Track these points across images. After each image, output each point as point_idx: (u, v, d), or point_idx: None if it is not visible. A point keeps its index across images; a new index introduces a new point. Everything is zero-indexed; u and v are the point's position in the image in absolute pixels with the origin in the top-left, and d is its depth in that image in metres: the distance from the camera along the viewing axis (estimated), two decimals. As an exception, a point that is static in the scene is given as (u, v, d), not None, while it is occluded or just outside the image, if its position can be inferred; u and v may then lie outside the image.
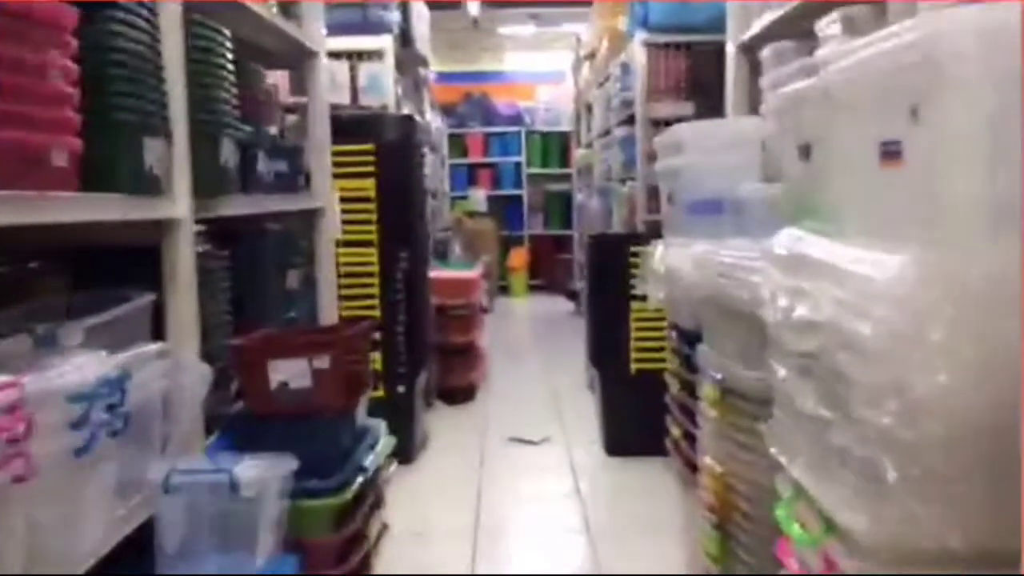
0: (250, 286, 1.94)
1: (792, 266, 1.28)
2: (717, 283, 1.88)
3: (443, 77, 10.67)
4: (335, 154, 3.81)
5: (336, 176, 3.81)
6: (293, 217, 2.65)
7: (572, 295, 8.89)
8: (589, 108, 7.52)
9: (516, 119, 10.81)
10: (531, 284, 10.72)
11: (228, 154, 1.67)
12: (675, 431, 2.50)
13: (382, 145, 3.88)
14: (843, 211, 1.22)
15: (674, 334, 2.54)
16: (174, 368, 1.40)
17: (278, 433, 1.58)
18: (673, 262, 2.28)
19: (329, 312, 2.68)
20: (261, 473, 1.35)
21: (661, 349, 3.98)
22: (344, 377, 1.64)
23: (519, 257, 10.64)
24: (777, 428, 1.41)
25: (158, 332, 1.47)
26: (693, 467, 2.44)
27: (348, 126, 3.93)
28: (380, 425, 2.26)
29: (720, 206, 2.23)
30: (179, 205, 1.55)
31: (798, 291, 1.21)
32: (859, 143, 1.13)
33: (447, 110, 10.48)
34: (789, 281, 1.27)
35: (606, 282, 4.10)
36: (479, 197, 10.49)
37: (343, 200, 3.83)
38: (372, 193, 3.86)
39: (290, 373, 1.57)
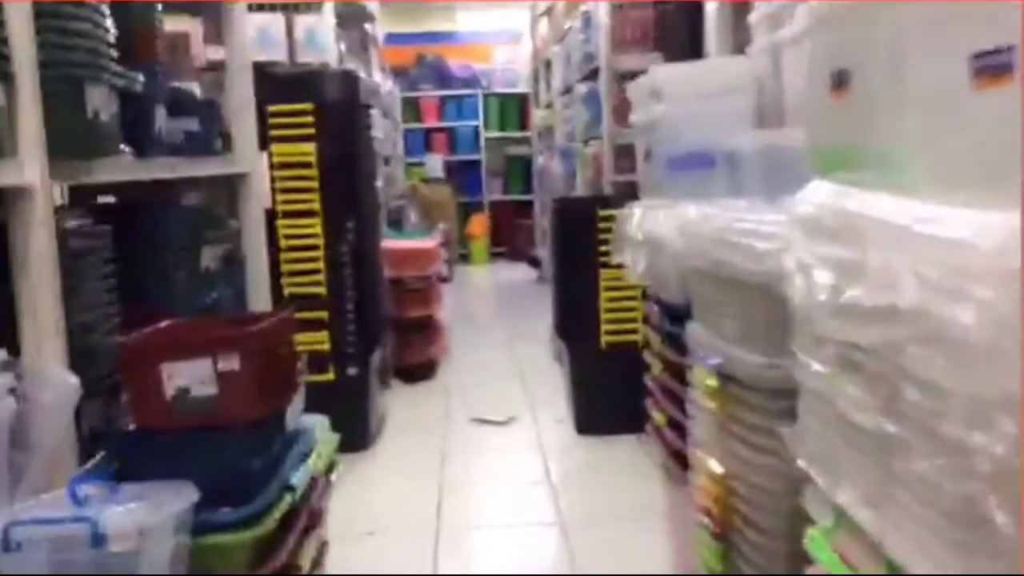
0: (149, 268, 1.60)
1: (831, 230, 0.97)
2: (712, 251, 1.58)
3: (394, 39, 10.21)
4: (271, 115, 3.45)
5: (273, 140, 3.46)
6: (217, 185, 2.30)
7: (534, 262, 8.58)
8: (548, 66, 7.17)
9: (472, 81, 10.40)
10: (492, 252, 10.39)
11: (99, 105, 1.31)
12: (658, 416, 2.21)
13: (322, 105, 3.51)
14: (904, 156, 0.91)
15: (656, 308, 2.24)
16: (29, 380, 1.08)
17: (177, 452, 1.25)
18: (654, 227, 1.97)
19: (260, 293, 2.34)
20: (140, 518, 1.03)
21: (634, 321, 3.70)
22: (260, 379, 1.31)
23: (479, 224, 10.29)
24: (807, 434, 1.11)
25: (5, 335, 1.13)
26: (679, 457, 2.16)
27: (283, 84, 3.56)
28: (317, 423, 1.93)
29: (708, 160, 1.91)
30: (27, 169, 1.20)
31: (847, 264, 0.90)
32: (936, 58, 0.82)
33: (399, 73, 10.04)
34: (828, 249, 0.97)
35: (573, 249, 3.78)
36: (435, 163, 10.10)
37: (281, 167, 3.48)
38: (313, 158, 3.49)
39: (190, 377, 1.24)
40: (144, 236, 1.66)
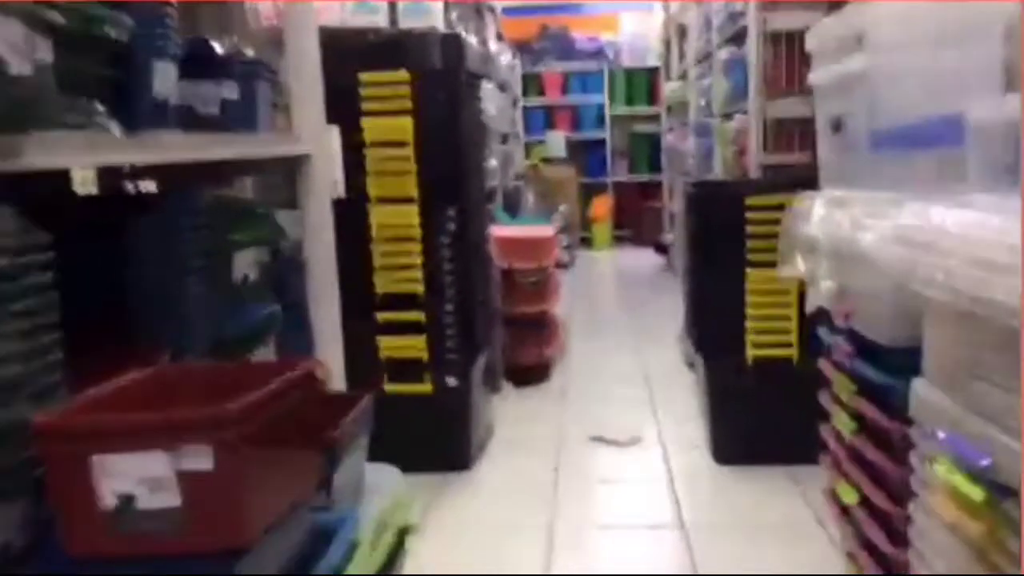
0: (141, 286, 1.15)
1: None
2: (970, 280, 0.97)
3: (515, 11, 9.69)
4: (362, 85, 2.99)
5: (365, 114, 2.99)
6: (275, 167, 1.83)
7: (662, 248, 7.93)
8: (683, 33, 6.48)
9: (597, 54, 9.77)
10: (615, 235, 9.78)
11: (24, 56, 0.84)
12: (844, 492, 1.61)
13: (422, 73, 3.01)
14: None
15: (843, 341, 1.63)
16: None
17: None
18: (850, 231, 1.36)
19: (326, 307, 1.86)
20: None
21: (786, 332, 3.07)
22: (249, 483, 0.82)
23: (602, 206, 9.69)
24: None
25: None
26: (867, 544, 1.56)
27: (375, 49, 3.07)
28: (383, 480, 1.43)
29: (940, 135, 1.30)
30: None
31: None
32: None
33: (521, 47, 9.52)
34: None
35: (712, 243, 3.17)
36: (557, 141, 9.55)
37: (374, 145, 3.01)
38: (409, 135, 3.00)
39: (136, 479, 0.78)
40: (141, 242, 1.20)
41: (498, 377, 4.24)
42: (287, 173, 1.84)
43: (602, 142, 9.81)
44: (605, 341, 5.27)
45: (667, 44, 7.95)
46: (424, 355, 3.09)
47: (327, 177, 1.84)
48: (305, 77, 1.80)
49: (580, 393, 4.22)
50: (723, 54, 4.34)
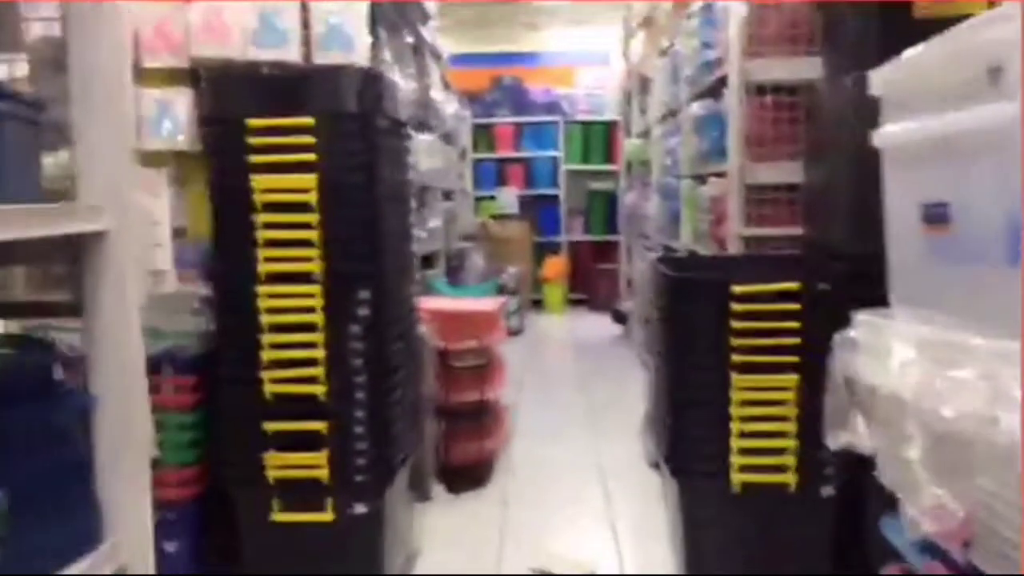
0: None
1: None
2: None
3: (466, 60, 9.21)
4: (249, 133, 2.35)
5: (254, 169, 2.36)
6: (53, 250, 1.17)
7: (619, 317, 7.35)
8: (645, 86, 5.98)
9: (552, 107, 9.29)
10: (569, 298, 9.19)
11: None
12: None
13: (332, 118, 2.39)
14: None
15: (941, 569, 1.01)
16: None
17: None
18: (991, 412, 0.74)
19: (128, 465, 1.20)
20: None
21: (782, 452, 2.46)
22: None
23: (555, 267, 9.12)
24: None
25: None
26: None
27: (270, 88, 2.45)
28: None
29: None
30: None
31: None
32: None
33: (472, 98, 9.00)
34: None
35: (688, 338, 2.55)
36: (509, 198, 9.00)
37: (265, 208, 2.37)
38: (312, 196, 2.37)
39: None
40: None
41: (427, 481, 3.57)
42: (74, 258, 1.19)
43: (556, 199, 9.28)
44: (556, 427, 4.62)
45: (628, 97, 7.48)
46: (325, 475, 2.41)
47: (132, 265, 1.19)
48: (97, 113, 1.16)
49: (525, 501, 3.56)
50: (695, 108, 3.80)
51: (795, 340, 2.39)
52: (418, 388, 3.30)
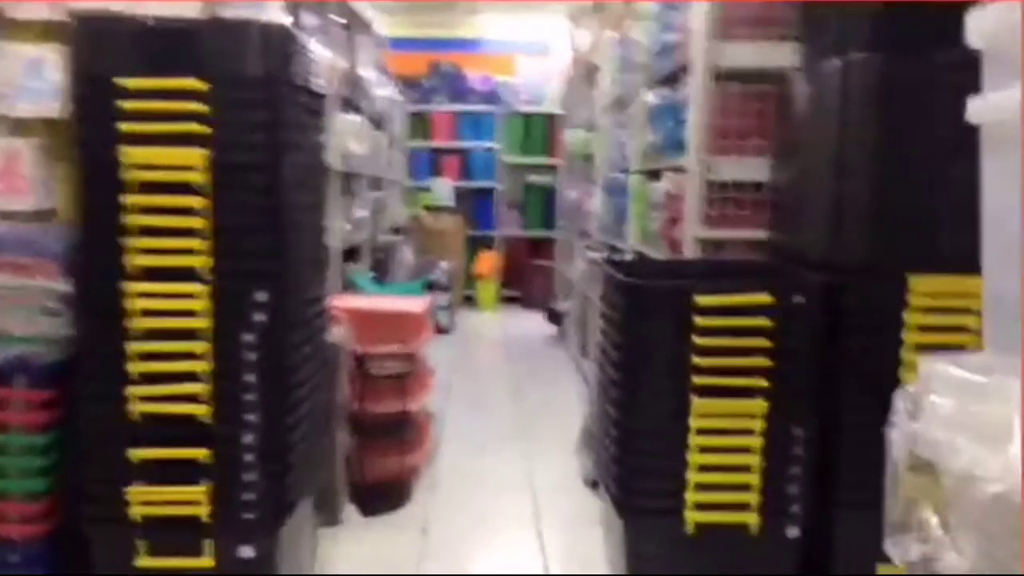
0: None
1: None
2: None
3: (404, 43, 8.77)
4: (122, 96, 1.93)
5: (126, 139, 1.93)
6: None
7: (554, 316, 7.02)
8: (592, 75, 5.64)
9: (492, 96, 8.90)
10: (503, 295, 8.84)
11: None
12: None
13: (226, 82, 1.98)
14: None
15: None
16: None
17: None
18: None
19: None
20: None
21: (745, 488, 2.14)
22: None
23: (489, 262, 8.74)
24: None
25: None
26: None
27: (150, 43, 2.02)
28: None
29: None
30: None
31: None
32: None
33: (408, 83, 8.57)
34: None
35: (643, 353, 2.21)
36: (444, 189, 8.59)
37: (140, 188, 1.95)
38: (199, 175, 1.95)
39: None
40: None
41: (337, 502, 3.16)
42: None
43: (492, 192, 8.91)
44: (486, 438, 4.25)
45: (572, 87, 7.15)
46: (205, 512, 2.01)
47: None
48: None
49: (448, 526, 3.19)
50: (650, 98, 3.47)
51: (765, 361, 2.07)
52: (330, 400, 2.91)
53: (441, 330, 7.08)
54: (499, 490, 3.57)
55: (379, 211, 5.50)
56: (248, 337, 2.00)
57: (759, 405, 2.08)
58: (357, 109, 4.69)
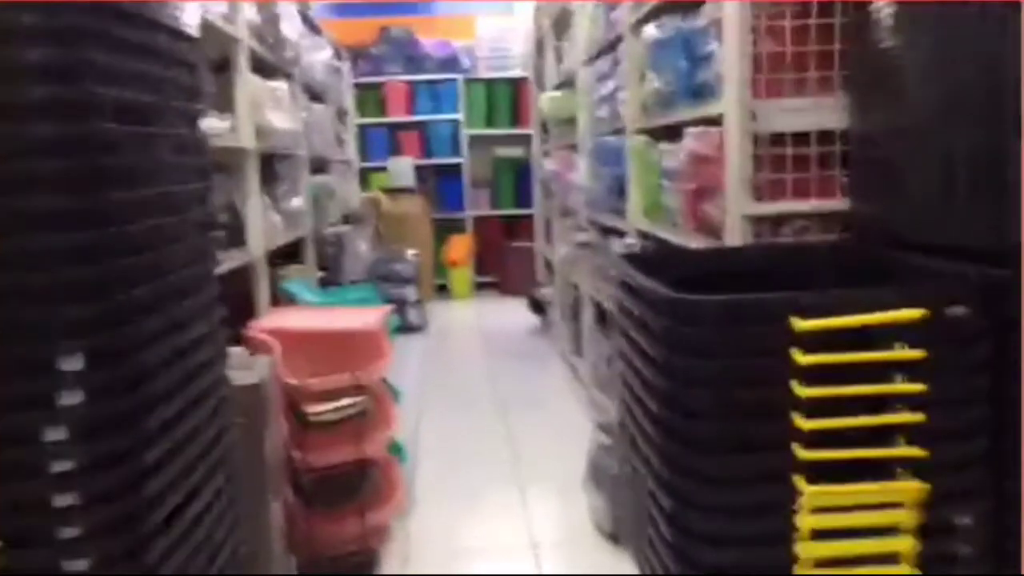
0: None
1: None
2: None
3: (349, 9, 7.91)
4: None
5: None
6: None
7: (537, 306, 6.22)
8: (564, 23, 4.81)
9: (450, 63, 8.03)
10: (477, 282, 8.04)
11: None
12: None
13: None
14: None
15: None
16: None
17: None
18: None
19: None
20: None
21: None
22: None
23: (460, 247, 7.93)
24: None
25: None
26: None
27: None
28: None
29: None
30: None
31: None
32: None
33: (357, 53, 7.70)
34: None
35: (706, 403, 1.41)
36: (403, 168, 7.73)
37: None
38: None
39: None
40: None
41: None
42: None
43: (458, 169, 8.06)
44: (469, 476, 3.44)
45: (539, 45, 6.31)
46: None
47: None
48: None
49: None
50: (650, 33, 2.65)
51: (917, 416, 1.28)
52: (248, 456, 2.11)
53: (411, 328, 6.28)
54: (490, 551, 2.79)
55: (324, 199, 4.66)
56: (65, 395, 1.19)
57: (907, 488, 1.29)
58: (282, 72, 3.83)
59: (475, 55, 8.10)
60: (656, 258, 1.92)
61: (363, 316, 2.92)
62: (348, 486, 2.65)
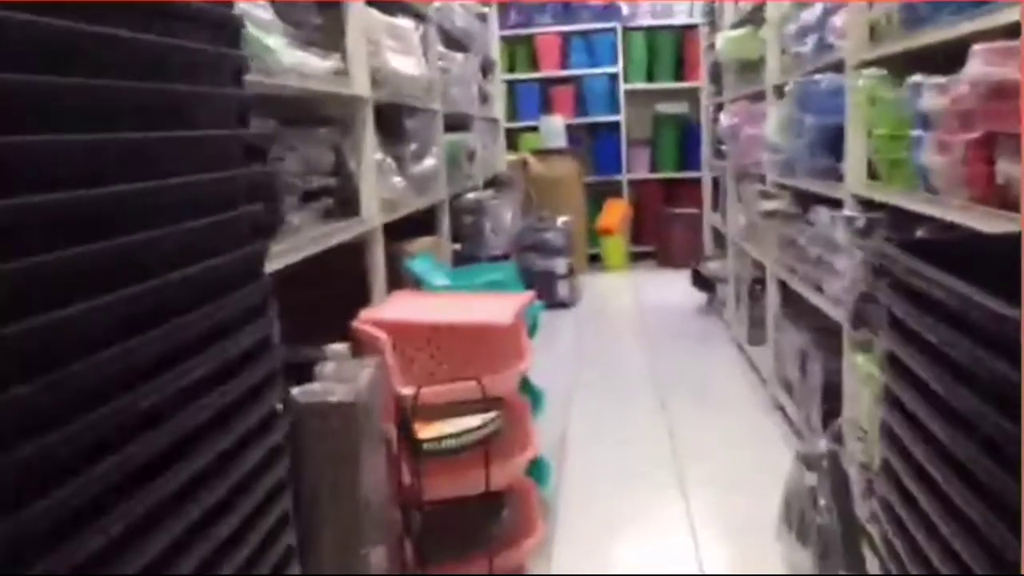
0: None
1: None
2: None
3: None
4: None
5: None
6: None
7: (703, 281, 5.47)
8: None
9: (608, 12, 7.29)
10: (634, 252, 7.34)
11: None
12: None
13: None
14: None
15: None
16: None
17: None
18: None
19: None
20: None
21: None
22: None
23: (615, 213, 7.23)
24: None
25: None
26: None
27: None
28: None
29: None
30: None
31: None
32: None
33: (506, 3, 7.09)
34: None
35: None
36: (554, 127, 7.09)
37: None
38: None
39: None
40: None
41: None
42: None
43: (615, 127, 7.34)
44: (626, 506, 2.78)
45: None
46: None
47: None
48: None
49: None
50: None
51: None
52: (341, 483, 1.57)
53: (561, 304, 5.68)
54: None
55: (464, 160, 4.10)
56: None
57: None
58: (419, 17, 3.27)
59: (635, 3, 7.32)
60: (954, 248, 1.20)
61: (498, 305, 2.33)
62: (473, 526, 2.08)
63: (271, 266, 1.73)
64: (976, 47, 1.46)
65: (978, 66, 1.45)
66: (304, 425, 1.72)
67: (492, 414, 2.02)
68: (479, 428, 1.94)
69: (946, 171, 1.62)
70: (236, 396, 1.06)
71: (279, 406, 1.20)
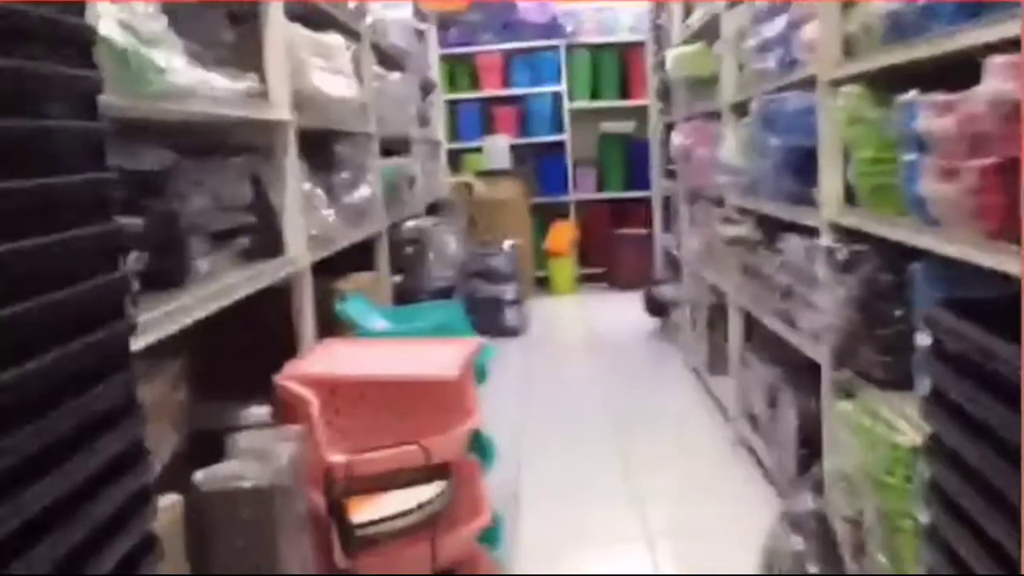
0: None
1: None
2: None
3: (438, -30, 7.03)
4: None
5: None
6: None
7: (656, 306, 5.27)
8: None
9: (551, 29, 7.10)
10: (582, 274, 7.14)
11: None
12: None
13: None
14: None
15: None
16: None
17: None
18: None
19: None
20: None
21: None
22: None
23: (563, 235, 7.03)
24: None
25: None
26: None
27: None
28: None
29: None
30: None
31: None
32: None
33: (446, 21, 6.87)
34: None
35: None
36: (498, 148, 6.86)
37: None
38: None
39: None
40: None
41: None
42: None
43: (560, 147, 7.14)
44: (592, 553, 2.55)
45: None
46: None
47: None
48: None
49: None
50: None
51: None
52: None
53: (510, 331, 5.43)
54: None
55: (403, 186, 3.84)
56: None
57: None
58: (350, 34, 3.01)
59: (578, 19, 7.15)
60: (994, 305, 0.97)
61: (443, 354, 2.06)
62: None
63: (176, 323, 1.45)
64: (994, 60, 1.26)
65: (997, 83, 1.24)
66: (210, 515, 1.44)
67: (438, 486, 1.75)
68: (422, 507, 1.67)
69: (952, 200, 1.42)
70: (89, 530, 0.79)
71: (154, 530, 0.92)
